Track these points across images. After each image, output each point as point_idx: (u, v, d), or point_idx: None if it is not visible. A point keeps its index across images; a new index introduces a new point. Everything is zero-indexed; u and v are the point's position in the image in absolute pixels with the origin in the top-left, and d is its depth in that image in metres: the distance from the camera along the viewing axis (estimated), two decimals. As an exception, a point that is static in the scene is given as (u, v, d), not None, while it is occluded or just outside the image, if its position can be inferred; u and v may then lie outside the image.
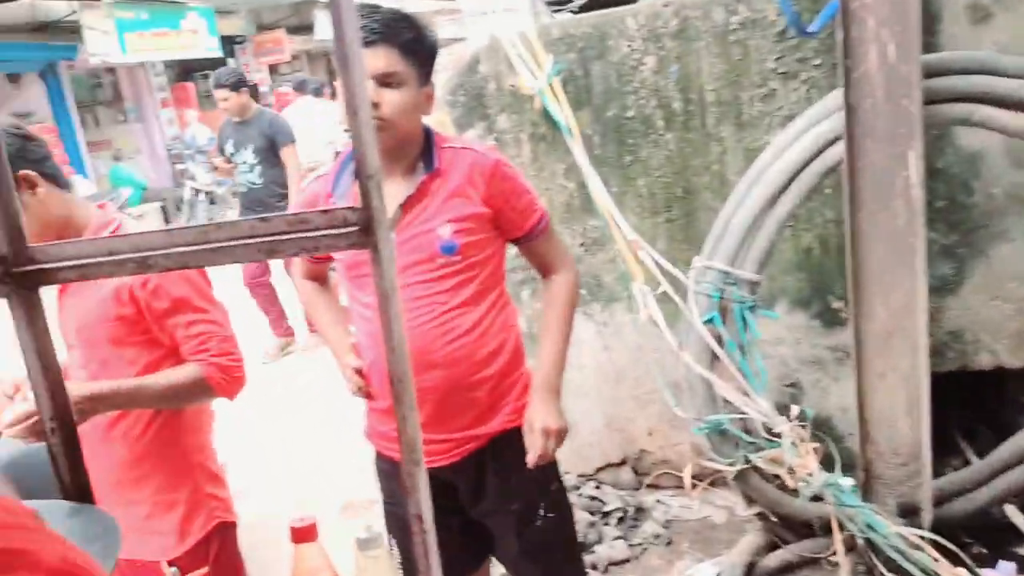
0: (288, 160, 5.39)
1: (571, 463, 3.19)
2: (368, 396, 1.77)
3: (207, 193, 10.02)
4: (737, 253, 2.41)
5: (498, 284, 1.80)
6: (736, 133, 2.80)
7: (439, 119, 2.94)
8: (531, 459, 1.74)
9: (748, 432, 2.41)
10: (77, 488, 1.05)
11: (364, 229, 0.85)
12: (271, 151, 5.36)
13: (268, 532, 3.37)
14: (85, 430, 1.71)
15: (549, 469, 1.87)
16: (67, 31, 11.44)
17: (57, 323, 1.69)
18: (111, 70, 13.40)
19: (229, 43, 16.16)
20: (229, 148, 5.47)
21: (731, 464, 2.42)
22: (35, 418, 1.46)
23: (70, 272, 0.94)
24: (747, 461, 2.39)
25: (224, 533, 1.83)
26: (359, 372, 1.72)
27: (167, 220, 11.36)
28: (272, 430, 4.37)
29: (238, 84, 5.27)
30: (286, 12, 16.54)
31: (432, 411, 1.72)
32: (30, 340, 1.00)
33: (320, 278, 1.99)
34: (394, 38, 1.61)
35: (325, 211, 0.88)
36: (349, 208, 0.86)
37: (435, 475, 1.79)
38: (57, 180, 1.66)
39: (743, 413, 2.37)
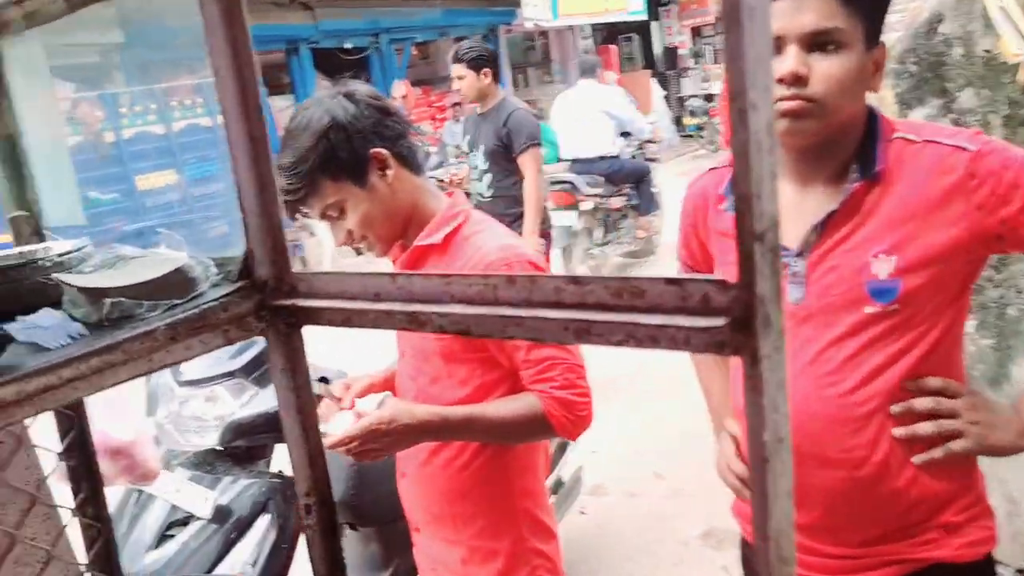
0: (526, 168, 4.02)
1: (1008, 552, 2.43)
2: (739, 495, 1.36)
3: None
4: None
5: (949, 348, 1.20)
6: None
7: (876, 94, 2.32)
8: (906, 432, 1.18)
9: None
10: (332, 579, 0.82)
11: (738, 324, 0.48)
12: (505, 155, 4.06)
13: (610, 539, 3.16)
14: (407, 454, 1.55)
15: None
16: (509, -4, 12.31)
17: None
18: (543, 33, 14.23)
19: (655, 5, 16.14)
20: (464, 146, 4.29)
21: None
22: (356, 442, 1.33)
23: (335, 315, 0.70)
24: None
25: None
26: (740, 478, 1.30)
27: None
28: (636, 431, 4.03)
29: (478, 62, 3.95)
30: (717, -31, 15.93)
31: (818, 516, 1.24)
32: (289, 393, 0.76)
33: None
34: None
35: (672, 281, 0.51)
36: (715, 282, 0.49)
37: None
38: (410, 162, 1.47)
39: None
